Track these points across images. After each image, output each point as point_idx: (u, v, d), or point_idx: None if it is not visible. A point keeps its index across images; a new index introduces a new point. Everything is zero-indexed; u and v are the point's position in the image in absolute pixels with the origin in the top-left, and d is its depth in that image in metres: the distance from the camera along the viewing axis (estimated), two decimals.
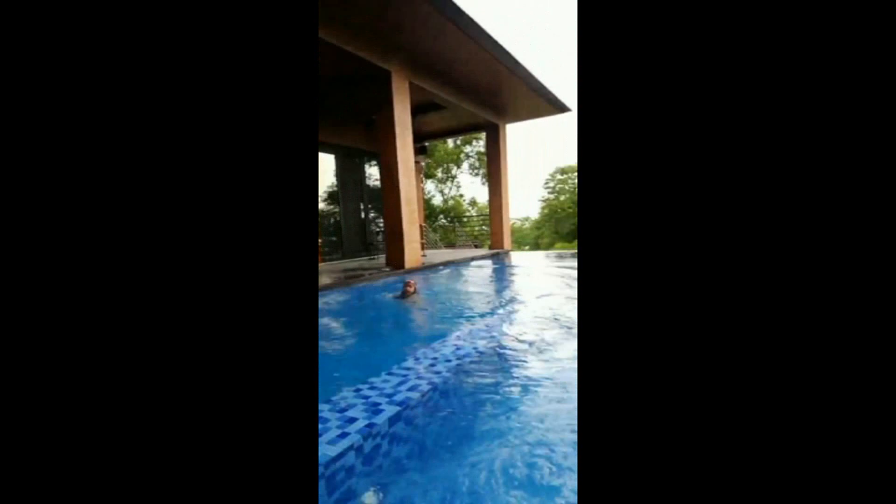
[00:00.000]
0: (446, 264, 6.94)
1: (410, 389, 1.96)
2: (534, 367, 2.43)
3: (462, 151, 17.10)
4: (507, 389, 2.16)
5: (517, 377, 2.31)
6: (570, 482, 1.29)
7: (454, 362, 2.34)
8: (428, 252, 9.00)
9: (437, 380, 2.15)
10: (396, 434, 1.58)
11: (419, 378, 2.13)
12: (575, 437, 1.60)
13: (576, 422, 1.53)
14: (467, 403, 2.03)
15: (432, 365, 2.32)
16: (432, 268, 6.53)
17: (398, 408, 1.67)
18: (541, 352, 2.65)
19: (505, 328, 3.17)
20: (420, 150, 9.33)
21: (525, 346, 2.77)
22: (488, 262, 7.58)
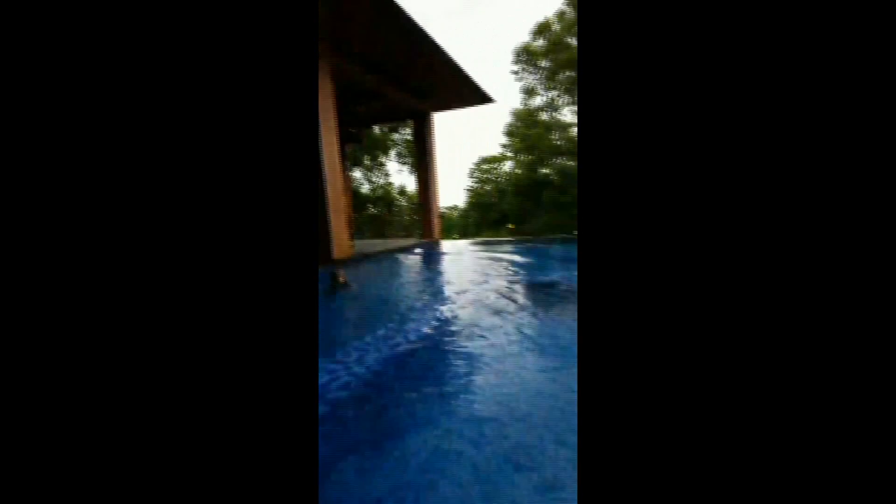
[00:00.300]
0: (377, 255, 6.83)
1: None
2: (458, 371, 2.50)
3: (389, 138, 16.80)
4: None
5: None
6: None
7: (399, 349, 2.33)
8: (357, 242, 8.77)
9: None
10: None
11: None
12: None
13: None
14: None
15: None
16: (363, 258, 6.39)
17: None
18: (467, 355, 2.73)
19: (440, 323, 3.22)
20: (348, 137, 8.98)
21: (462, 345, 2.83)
22: (420, 252, 7.61)
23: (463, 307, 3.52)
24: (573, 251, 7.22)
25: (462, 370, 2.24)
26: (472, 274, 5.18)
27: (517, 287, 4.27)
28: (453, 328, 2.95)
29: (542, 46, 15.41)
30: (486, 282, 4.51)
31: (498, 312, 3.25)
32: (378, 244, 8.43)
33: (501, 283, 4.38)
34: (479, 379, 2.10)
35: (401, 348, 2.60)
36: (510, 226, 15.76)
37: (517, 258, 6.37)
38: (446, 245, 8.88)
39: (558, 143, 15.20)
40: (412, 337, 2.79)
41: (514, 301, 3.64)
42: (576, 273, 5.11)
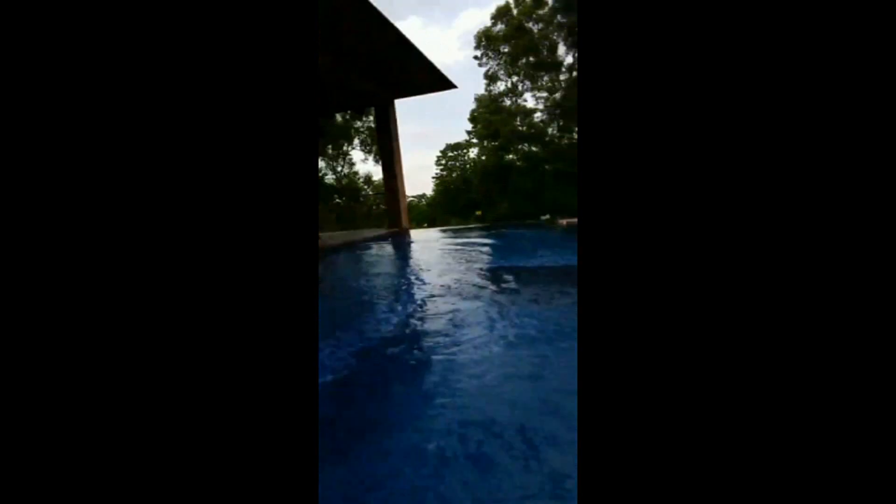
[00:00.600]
0: (344, 246, 6.73)
1: None
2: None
3: (352, 126, 16.40)
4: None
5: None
6: None
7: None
8: (322, 234, 8.59)
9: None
10: None
11: None
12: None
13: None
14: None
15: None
16: (328, 250, 6.28)
17: None
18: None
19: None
20: None
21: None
22: (387, 242, 7.55)
23: (434, 306, 3.54)
24: (540, 236, 7.38)
25: (430, 373, 2.27)
26: (442, 266, 5.21)
27: (492, 277, 4.32)
28: (424, 328, 2.97)
29: (501, 31, 15.39)
30: (462, 271, 4.55)
31: (470, 307, 3.29)
32: (343, 235, 8.29)
33: (475, 274, 4.43)
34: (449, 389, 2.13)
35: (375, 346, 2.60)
36: (478, 212, 15.87)
37: (487, 245, 6.44)
38: (415, 234, 8.86)
39: (521, 128, 15.35)
40: (386, 333, 2.80)
41: (488, 293, 3.69)
42: (548, 259, 5.24)
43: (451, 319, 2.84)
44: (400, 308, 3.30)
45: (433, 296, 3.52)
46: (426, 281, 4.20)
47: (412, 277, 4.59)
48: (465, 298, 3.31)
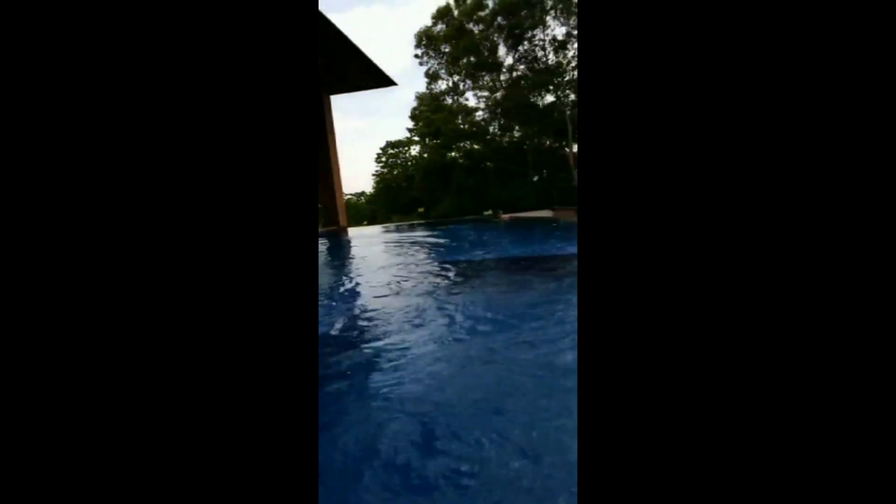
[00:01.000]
0: None
1: None
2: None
3: None
4: None
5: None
6: None
7: None
8: None
9: None
10: None
11: None
12: None
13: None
14: None
15: None
16: None
17: None
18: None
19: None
20: None
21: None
22: (324, 240, 7.16)
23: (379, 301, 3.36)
24: (484, 230, 7.42)
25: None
26: (384, 263, 5.02)
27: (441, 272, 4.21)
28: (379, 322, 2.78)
29: (442, 31, 15.41)
30: (406, 267, 4.39)
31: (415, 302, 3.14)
32: None
33: (420, 268, 4.29)
34: None
35: None
36: (420, 209, 15.76)
37: (432, 241, 6.34)
38: (354, 232, 8.53)
39: (463, 126, 15.49)
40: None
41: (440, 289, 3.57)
42: (485, 251, 5.24)
43: (399, 315, 2.67)
44: (345, 306, 3.06)
45: (378, 296, 3.33)
46: (368, 279, 3.98)
47: (353, 275, 4.34)
48: (409, 295, 3.16)
